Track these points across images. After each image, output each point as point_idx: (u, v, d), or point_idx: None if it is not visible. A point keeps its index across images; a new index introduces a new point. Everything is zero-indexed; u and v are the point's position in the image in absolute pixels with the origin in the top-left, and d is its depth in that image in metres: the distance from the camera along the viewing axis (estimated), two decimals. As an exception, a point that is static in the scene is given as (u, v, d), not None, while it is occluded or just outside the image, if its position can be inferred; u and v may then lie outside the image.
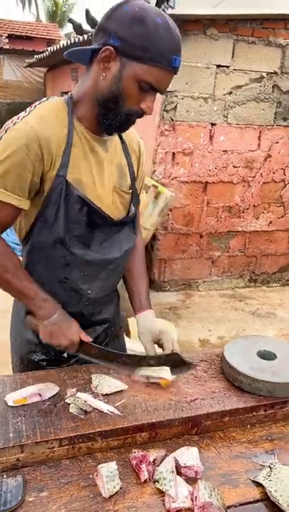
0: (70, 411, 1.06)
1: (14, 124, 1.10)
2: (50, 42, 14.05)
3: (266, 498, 0.93)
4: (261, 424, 1.14)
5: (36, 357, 1.34)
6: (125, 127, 1.17)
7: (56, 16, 25.64)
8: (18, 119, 1.12)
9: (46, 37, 15.09)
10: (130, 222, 1.31)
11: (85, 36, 5.26)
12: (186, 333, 3.63)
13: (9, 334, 1.43)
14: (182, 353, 1.23)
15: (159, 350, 1.32)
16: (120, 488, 0.92)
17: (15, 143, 1.07)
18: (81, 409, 1.07)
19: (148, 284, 1.46)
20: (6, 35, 14.94)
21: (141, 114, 1.11)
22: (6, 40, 14.45)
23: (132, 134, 1.31)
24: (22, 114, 1.13)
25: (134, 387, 1.18)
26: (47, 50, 7.53)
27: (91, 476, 0.95)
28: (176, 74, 1.09)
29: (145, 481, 0.94)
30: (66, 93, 5.96)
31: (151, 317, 1.36)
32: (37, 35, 15.18)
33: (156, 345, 1.33)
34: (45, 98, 1.20)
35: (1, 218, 1.14)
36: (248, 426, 1.13)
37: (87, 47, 1.10)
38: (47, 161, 1.11)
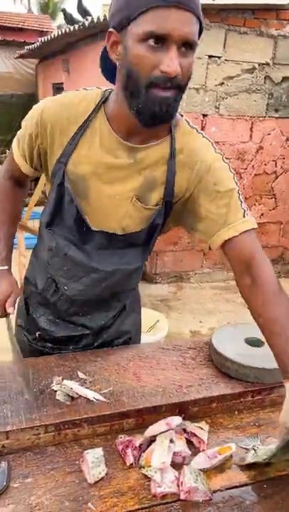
0: (57, 398, 1.06)
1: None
2: (42, 34, 13.87)
3: (253, 483, 0.93)
4: (249, 411, 1.14)
5: (28, 337, 1.34)
6: (160, 110, 0.93)
7: (48, 8, 25.33)
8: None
9: (38, 28, 14.88)
10: (142, 243, 1.17)
11: (76, 26, 5.20)
12: (178, 324, 3.63)
13: None
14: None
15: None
16: (106, 473, 0.92)
17: (31, 114, 1.12)
18: (68, 395, 1.06)
19: None
20: (-3, 26, 14.75)
21: (165, 78, 0.89)
22: (-3, 32, 14.26)
23: (193, 149, 1.08)
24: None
25: (123, 375, 1.17)
26: (38, 41, 7.44)
27: (77, 462, 0.95)
28: (185, 9, 0.85)
29: (131, 466, 0.94)
30: (57, 84, 5.89)
31: None
32: (28, 27, 14.96)
33: None
34: (94, 87, 1.11)
35: (14, 170, 1.23)
36: (236, 412, 1.13)
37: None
38: (50, 142, 1.10)
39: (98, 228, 1.12)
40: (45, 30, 14.77)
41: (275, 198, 4.38)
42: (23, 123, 1.15)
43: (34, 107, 1.13)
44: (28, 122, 1.12)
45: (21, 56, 9.77)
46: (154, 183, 1.09)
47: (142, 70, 0.90)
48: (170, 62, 0.87)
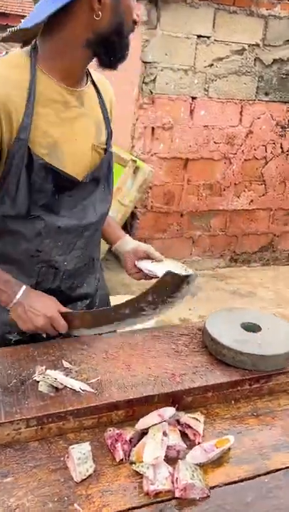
0: (40, 389, 0.97)
1: None
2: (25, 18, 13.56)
3: (253, 477, 0.86)
4: (246, 400, 1.07)
5: (12, 338, 1.20)
6: (127, 52, 1.08)
7: (31, -8, 24.86)
8: None
9: (21, 13, 14.55)
10: (104, 179, 1.20)
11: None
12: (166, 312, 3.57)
13: None
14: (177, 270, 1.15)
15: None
16: (94, 471, 0.84)
17: None
18: (52, 386, 0.98)
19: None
20: (-21, 9, 14.33)
21: (134, 28, 1.05)
22: (-21, 15, 13.86)
23: (106, 83, 1.21)
24: None
25: (111, 363, 1.09)
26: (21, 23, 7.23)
27: (62, 459, 0.87)
28: None
29: (121, 461, 0.87)
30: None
31: (132, 240, 1.35)
32: (11, 12, 14.62)
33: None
34: (4, 52, 1.08)
35: None
36: (232, 401, 1.06)
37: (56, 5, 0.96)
38: (6, 125, 0.99)
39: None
40: (28, 14, 14.42)
41: (265, 184, 4.32)
42: None
43: None
44: None
45: (3, 39, 9.51)
46: (100, 124, 1.17)
47: (127, 24, 1.03)
48: (138, 11, 1.04)
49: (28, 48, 1.05)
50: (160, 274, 1.16)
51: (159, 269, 1.24)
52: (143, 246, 1.32)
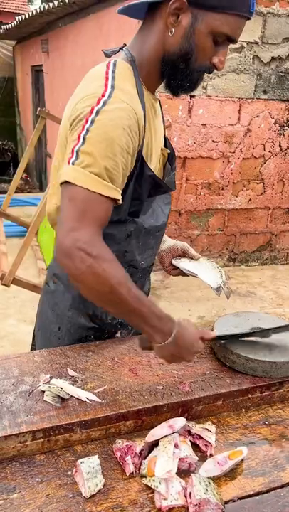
0: (45, 399, 0.94)
1: (103, 103, 0.91)
2: (19, 16, 13.46)
3: (268, 491, 0.83)
4: (257, 408, 1.04)
5: (88, 341, 1.19)
6: (196, 87, 1.04)
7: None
8: (103, 96, 0.92)
9: (14, 11, 14.43)
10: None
11: (55, 3, 4.97)
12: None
13: (39, 325, 1.28)
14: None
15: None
16: (103, 485, 0.81)
17: (118, 124, 0.90)
18: (58, 396, 0.94)
19: None
20: (-28, 7, 14.17)
21: (212, 69, 1.00)
22: (-27, 13, 13.71)
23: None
24: (99, 88, 0.93)
25: (118, 371, 1.06)
26: (15, 21, 7.14)
27: (70, 473, 0.84)
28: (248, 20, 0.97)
29: (131, 475, 0.83)
30: (36, 67, 5.67)
31: (168, 239, 1.37)
32: (4, 9, 14.49)
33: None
34: (113, 61, 1.00)
35: (102, 215, 0.92)
36: (243, 410, 1.03)
37: (141, 1, 0.97)
38: (140, 139, 1.00)
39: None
40: (21, 12, 14.33)
41: (264, 183, 4.29)
42: (105, 146, 0.90)
43: (106, 121, 0.90)
44: (120, 140, 0.91)
45: (-2, 37, 9.39)
46: (162, 129, 1.18)
47: (200, 58, 0.96)
48: (224, 59, 0.98)
49: (124, 55, 1.03)
50: (196, 272, 1.27)
51: (194, 268, 1.29)
52: (179, 244, 1.34)
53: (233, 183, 4.17)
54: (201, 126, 3.83)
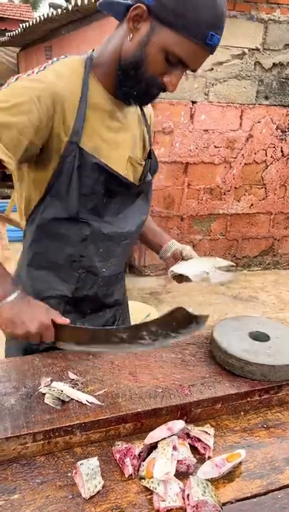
0: (45, 402, 0.95)
1: (28, 75, 0.97)
2: (23, 23, 13.60)
3: (265, 493, 0.84)
4: (256, 411, 1.05)
5: (39, 347, 1.16)
6: (145, 99, 1.05)
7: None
8: (33, 72, 0.98)
9: (19, 18, 14.59)
10: (145, 193, 1.21)
11: (59, 10, 5.03)
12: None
13: None
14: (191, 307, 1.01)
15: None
16: (102, 486, 0.82)
17: (26, 93, 0.92)
18: (58, 399, 0.96)
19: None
20: (-23, 14, 14.32)
21: (162, 88, 1.00)
22: (-23, 20, 13.86)
23: (151, 113, 1.25)
24: (36, 69, 0.99)
25: (118, 374, 1.07)
26: (19, 28, 7.21)
27: (69, 475, 0.85)
28: (212, 53, 0.96)
29: (130, 477, 0.84)
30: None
31: (174, 246, 1.37)
32: (9, 16, 14.65)
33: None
34: (63, 56, 1.06)
35: None
36: (242, 413, 1.04)
37: (124, 1, 0.97)
38: (58, 119, 0.98)
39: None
40: (26, 19, 14.48)
41: (265, 188, 4.31)
42: (6, 107, 0.91)
43: (18, 87, 0.94)
44: (22, 107, 0.91)
45: (2, 44, 9.49)
46: (136, 140, 1.17)
47: (150, 70, 0.97)
48: (175, 81, 0.98)
49: (86, 54, 1.07)
50: (188, 273, 1.23)
51: (186, 268, 1.26)
52: (180, 248, 1.34)
53: (235, 188, 4.19)
54: (203, 131, 3.86)
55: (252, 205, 4.32)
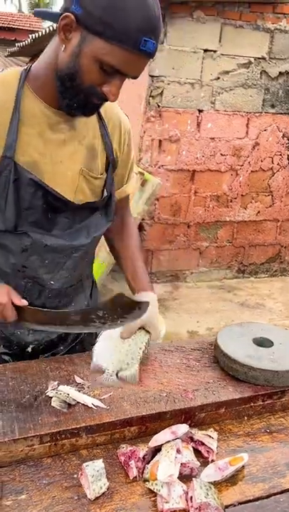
0: (52, 405, 0.97)
1: None
2: (33, 33, 13.79)
3: (267, 496, 0.85)
4: (259, 416, 1.06)
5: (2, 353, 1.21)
6: (87, 110, 1.01)
7: (38, 8, 25.28)
8: None
9: (28, 28, 14.80)
10: (102, 207, 1.16)
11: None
12: (174, 324, 3.56)
13: None
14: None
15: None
16: (107, 488, 0.84)
17: None
18: (64, 402, 0.98)
19: (145, 266, 1.31)
20: (-12, 25, 14.60)
21: (103, 98, 0.96)
22: (-12, 31, 14.13)
23: (112, 111, 1.16)
24: None
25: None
26: (29, 39, 7.33)
27: (75, 476, 0.87)
28: (150, 58, 0.92)
29: (134, 479, 0.86)
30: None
31: (154, 301, 1.18)
32: (19, 27, 14.88)
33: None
34: (1, 69, 1.08)
35: None
36: (245, 418, 1.06)
37: (54, 11, 0.97)
38: None
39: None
40: (35, 29, 14.68)
41: (272, 195, 4.32)
42: None
43: None
44: None
45: (12, 54, 9.64)
46: (95, 150, 1.12)
47: (86, 81, 0.93)
48: (115, 91, 0.95)
49: (22, 67, 1.06)
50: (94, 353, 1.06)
51: (104, 356, 1.06)
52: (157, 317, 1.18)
53: (242, 195, 4.21)
54: (210, 139, 3.89)
55: (259, 212, 4.34)
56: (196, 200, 4.06)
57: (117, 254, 1.31)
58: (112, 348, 1.06)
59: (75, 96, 0.97)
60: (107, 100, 0.98)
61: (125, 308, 0.98)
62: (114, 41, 0.87)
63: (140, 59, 0.90)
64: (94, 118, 1.10)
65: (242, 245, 4.43)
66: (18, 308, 1.03)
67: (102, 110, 1.09)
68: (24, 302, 1.03)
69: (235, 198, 4.19)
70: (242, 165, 4.08)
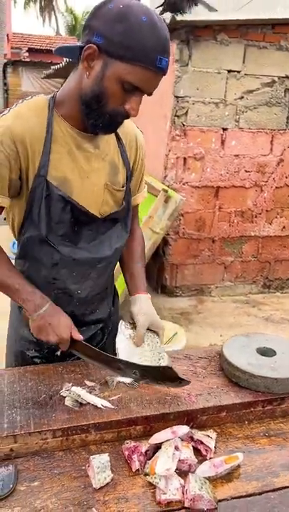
0: (66, 403, 1.07)
1: None
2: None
3: (259, 493, 0.91)
4: (259, 421, 1.12)
5: (30, 354, 1.34)
6: (111, 128, 1.14)
7: (75, 30, 26.13)
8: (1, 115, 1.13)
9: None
10: (122, 218, 1.28)
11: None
12: (197, 337, 3.60)
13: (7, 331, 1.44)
14: (176, 368, 1.14)
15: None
16: (111, 479, 0.92)
17: None
18: (76, 401, 1.07)
19: (144, 269, 1.43)
20: (26, 48, 15.30)
21: (126, 115, 1.09)
22: (26, 54, 14.78)
23: (128, 128, 1.27)
24: (5, 110, 1.14)
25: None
26: (64, 61, 7.66)
27: (84, 468, 0.95)
28: (164, 75, 1.05)
29: (137, 472, 0.94)
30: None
31: (148, 301, 1.33)
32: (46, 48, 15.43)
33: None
34: (29, 96, 1.19)
35: None
36: (246, 422, 1.12)
37: (74, 44, 1.10)
38: (23, 157, 1.10)
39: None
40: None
41: (298, 211, 4.33)
42: None
43: None
44: None
45: (48, 76, 10.06)
46: (116, 166, 1.24)
47: (111, 102, 1.06)
48: (136, 107, 1.07)
49: (50, 95, 1.19)
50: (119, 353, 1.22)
51: (124, 348, 1.24)
52: (135, 313, 1.29)
53: (267, 211, 4.24)
54: (234, 157, 3.96)
55: (284, 227, 4.35)
56: (220, 215, 4.12)
57: (120, 258, 1.41)
58: (138, 352, 1.22)
59: (101, 116, 1.09)
60: (128, 117, 1.10)
61: (165, 378, 1.13)
62: (135, 61, 1.00)
63: (156, 76, 1.04)
64: (113, 136, 1.24)
65: (267, 260, 4.44)
66: (72, 340, 1.19)
67: (119, 130, 1.21)
68: (81, 337, 1.19)
69: (260, 214, 4.23)
70: (266, 181, 4.12)
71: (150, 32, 0.98)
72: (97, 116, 1.09)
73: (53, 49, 1.17)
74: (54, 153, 1.14)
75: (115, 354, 1.22)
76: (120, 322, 1.28)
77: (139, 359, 1.20)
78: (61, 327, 1.17)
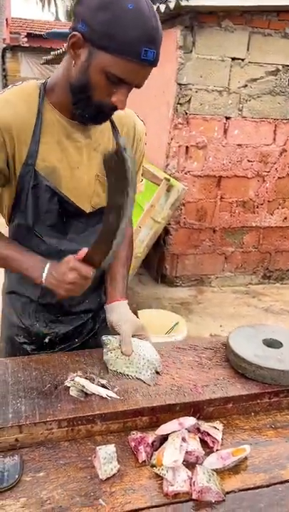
0: (71, 394, 1.06)
1: None
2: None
3: (267, 485, 0.91)
4: (266, 412, 1.12)
5: (19, 339, 1.33)
6: (99, 119, 1.10)
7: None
8: None
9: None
10: None
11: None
12: (198, 328, 3.60)
13: None
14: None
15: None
16: (118, 470, 0.91)
17: None
18: (82, 391, 1.06)
19: (128, 272, 1.37)
20: (25, 33, 15.07)
21: (113, 107, 1.04)
22: (25, 39, 14.57)
23: (127, 117, 1.23)
24: None
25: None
26: (63, 47, 7.56)
27: (89, 459, 0.95)
28: (153, 67, 0.99)
29: (143, 463, 0.93)
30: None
31: (127, 307, 1.27)
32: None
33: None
34: (20, 82, 1.15)
35: None
36: (252, 414, 1.11)
37: (64, 30, 1.07)
38: (10, 146, 1.07)
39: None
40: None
41: (300, 202, 4.31)
42: None
43: None
44: None
45: (47, 62, 9.93)
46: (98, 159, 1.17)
47: (97, 93, 1.02)
48: (123, 99, 1.02)
49: (40, 81, 1.15)
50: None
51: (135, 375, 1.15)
52: (115, 322, 1.24)
53: (269, 201, 4.22)
54: (237, 146, 3.92)
55: (285, 218, 4.33)
56: (222, 205, 4.10)
57: None
58: (126, 360, 1.16)
59: (87, 107, 1.05)
60: (116, 109, 1.06)
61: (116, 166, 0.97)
62: (118, 53, 0.94)
63: (143, 68, 0.97)
64: (108, 126, 1.19)
65: (268, 251, 4.43)
66: (85, 261, 1.06)
67: (115, 118, 1.18)
68: (84, 250, 1.06)
69: (262, 204, 4.20)
70: (269, 171, 4.09)
71: (136, 21, 0.92)
72: (84, 107, 1.06)
73: (44, 33, 1.14)
74: (43, 143, 1.10)
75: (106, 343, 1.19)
76: (102, 337, 1.21)
77: (133, 368, 1.15)
78: (64, 262, 1.07)
